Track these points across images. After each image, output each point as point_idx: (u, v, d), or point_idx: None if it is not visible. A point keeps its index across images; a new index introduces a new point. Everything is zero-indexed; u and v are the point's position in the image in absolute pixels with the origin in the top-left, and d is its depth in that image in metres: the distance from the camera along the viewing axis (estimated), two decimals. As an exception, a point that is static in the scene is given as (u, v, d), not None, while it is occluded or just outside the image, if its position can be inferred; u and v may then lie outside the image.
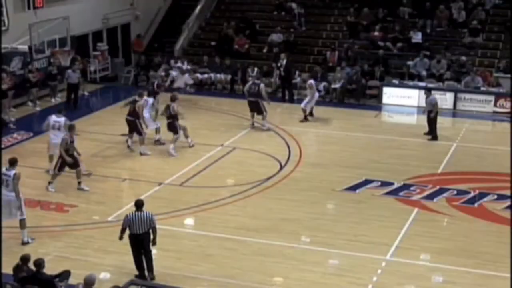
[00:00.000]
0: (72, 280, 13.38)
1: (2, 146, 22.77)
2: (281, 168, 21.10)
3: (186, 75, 28.68)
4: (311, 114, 25.67)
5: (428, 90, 24.84)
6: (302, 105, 25.32)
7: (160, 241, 14.60)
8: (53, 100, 28.16)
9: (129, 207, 17.67)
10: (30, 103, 27.20)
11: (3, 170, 15.91)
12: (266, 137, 23.83)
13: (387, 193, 19.22)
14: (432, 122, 23.99)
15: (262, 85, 24.56)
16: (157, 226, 14.41)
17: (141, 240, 14.22)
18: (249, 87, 24.68)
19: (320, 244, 16.25)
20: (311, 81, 25.72)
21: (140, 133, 21.81)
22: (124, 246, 15.82)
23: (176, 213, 17.69)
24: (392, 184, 19.74)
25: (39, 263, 12.98)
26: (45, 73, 27.87)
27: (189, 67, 29.52)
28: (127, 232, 14.35)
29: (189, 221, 17.58)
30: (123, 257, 15.35)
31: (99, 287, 13.19)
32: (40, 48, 28.39)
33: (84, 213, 17.73)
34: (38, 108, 26.96)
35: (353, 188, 19.57)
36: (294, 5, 33.82)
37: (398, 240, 16.39)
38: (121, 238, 14.46)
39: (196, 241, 16.13)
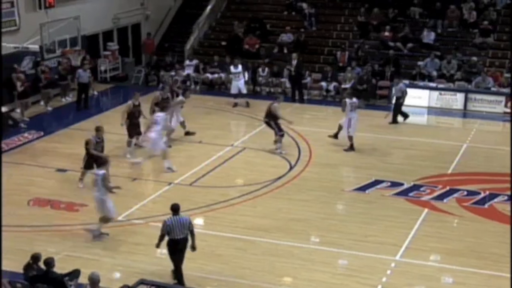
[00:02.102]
0: (81, 279, 13.41)
1: (13, 145, 22.95)
2: (291, 168, 21.11)
3: (241, 82, 27.96)
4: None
5: (397, 78, 26.16)
6: (345, 132, 22.50)
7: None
8: (63, 99, 28.28)
9: (139, 207, 17.86)
10: (42, 102, 27.29)
11: (95, 170, 16.33)
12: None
13: (397, 194, 19.19)
14: (397, 109, 25.46)
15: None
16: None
17: (180, 245, 14.10)
18: None
19: (329, 244, 16.25)
20: (346, 100, 22.66)
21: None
22: (134, 246, 15.98)
23: (186, 213, 17.61)
24: (402, 184, 19.72)
25: (49, 262, 13.04)
26: (55, 73, 27.96)
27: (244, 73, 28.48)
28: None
29: (199, 221, 17.56)
30: (133, 256, 15.45)
31: (109, 287, 13.24)
32: (51, 47, 28.52)
33: (94, 213, 17.70)
34: (49, 108, 27.06)
35: (363, 188, 19.56)
36: (304, 5, 33.78)
37: (407, 241, 16.37)
38: (158, 245, 14.25)
39: (206, 240, 16.08)
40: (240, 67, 28.08)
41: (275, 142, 22.49)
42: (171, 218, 14.14)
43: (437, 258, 15.80)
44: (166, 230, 14.03)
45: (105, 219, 16.36)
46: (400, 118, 25.77)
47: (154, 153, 20.81)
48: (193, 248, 14.28)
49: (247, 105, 27.38)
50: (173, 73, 30.46)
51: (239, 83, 27.85)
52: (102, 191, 16.15)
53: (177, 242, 14.07)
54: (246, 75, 28.35)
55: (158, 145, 20.56)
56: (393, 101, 26.01)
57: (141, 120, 22.02)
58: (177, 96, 23.65)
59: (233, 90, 27.93)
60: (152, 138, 20.53)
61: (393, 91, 26.11)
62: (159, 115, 20.84)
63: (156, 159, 21.33)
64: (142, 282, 13.22)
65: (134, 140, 21.87)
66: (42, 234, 16.56)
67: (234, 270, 15.03)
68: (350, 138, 22.55)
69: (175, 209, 14.24)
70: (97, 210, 16.47)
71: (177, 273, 14.21)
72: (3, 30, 25.60)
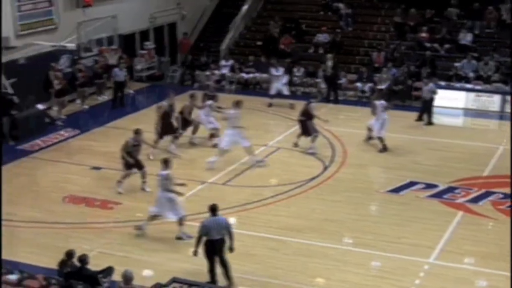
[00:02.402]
0: (115, 277, 13.52)
1: (49, 143, 23.22)
2: (325, 168, 21.06)
3: (281, 83, 27.76)
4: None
5: (427, 78, 26.41)
6: (376, 133, 22.59)
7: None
8: (99, 98, 28.50)
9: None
10: (78, 101, 27.53)
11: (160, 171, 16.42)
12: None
13: (432, 196, 19.06)
14: (429, 109, 25.49)
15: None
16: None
17: (217, 246, 14.05)
18: None
19: (362, 245, 16.20)
20: (375, 102, 22.94)
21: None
22: (167, 244, 16.03)
23: (219, 212, 17.71)
24: (437, 186, 19.57)
25: (83, 259, 13.19)
26: (92, 72, 28.21)
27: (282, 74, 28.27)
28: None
29: (232, 220, 17.53)
30: (166, 254, 15.53)
31: (142, 284, 13.32)
32: (87, 46, 28.79)
33: (128, 211, 17.88)
34: (85, 106, 27.28)
35: (397, 190, 19.45)
36: (341, 5, 33.69)
37: (441, 243, 16.25)
38: (196, 251, 14.16)
39: (241, 240, 16.05)
40: (281, 70, 28.07)
41: (295, 144, 22.59)
42: (208, 218, 14.15)
43: (472, 261, 15.63)
44: (204, 231, 14.03)
45: (180, 220, 16.30)
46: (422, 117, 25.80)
47: (246, 145, 20.90)
48: (231, 249, 14.27)
49: (292, 106, 27.15)
50: (208, 72, 30.61)
51: (279, 85, 27.82)
52: (164, 191, 16.23)
53: (214, 243, 14.06)
54: (286, 77, 28.28)
55: (240, 139, 20.72)
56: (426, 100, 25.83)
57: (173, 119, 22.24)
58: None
59: (273, 91, 27.92)
60: (228, 136, 20.67)
61: (424, 92, 25.87)
62: (231, 111, 20.95)
63: (190, 157, 21.46)
64: (174, 280, 13.28)
65: (161, 140, 21.97)
66: (76, 231, 16.72)
67: (267, 270, 15.04)
68: (381, 139, 22.48)
69: (213, 209, 14.23)
70: (159, 210, 16.39)
71: (212, 273, 14.21)
72: (40, 29, 26.11)
